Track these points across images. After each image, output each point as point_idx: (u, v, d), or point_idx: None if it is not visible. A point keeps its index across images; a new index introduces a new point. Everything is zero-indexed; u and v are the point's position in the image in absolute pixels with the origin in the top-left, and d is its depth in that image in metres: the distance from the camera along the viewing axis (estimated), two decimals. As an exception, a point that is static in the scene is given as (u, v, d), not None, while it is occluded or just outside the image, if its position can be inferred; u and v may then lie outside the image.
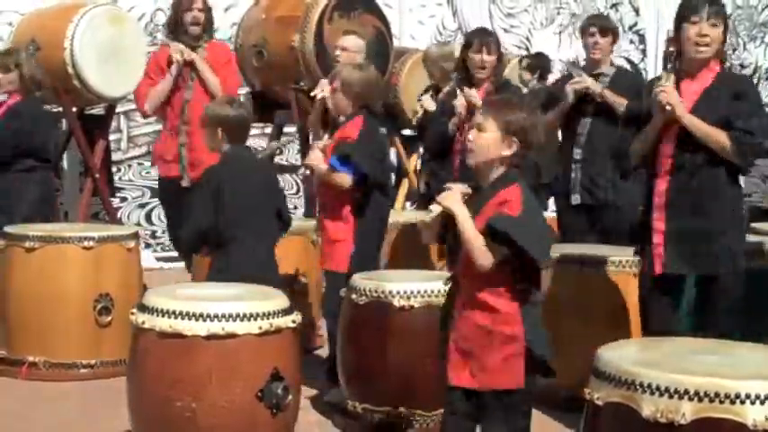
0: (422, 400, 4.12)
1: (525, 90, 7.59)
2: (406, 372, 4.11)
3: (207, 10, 6.41)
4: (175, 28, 6.34)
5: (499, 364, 3.04)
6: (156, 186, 7.14)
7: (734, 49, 11.69)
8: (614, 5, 11.25)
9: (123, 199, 8.55)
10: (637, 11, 11.38)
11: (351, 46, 5.92)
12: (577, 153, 5.41)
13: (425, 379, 4.10)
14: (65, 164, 8.13)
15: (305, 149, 6.40)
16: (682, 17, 3.82)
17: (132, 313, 3.52)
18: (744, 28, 11.86)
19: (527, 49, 10.54)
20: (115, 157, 8.44)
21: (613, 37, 5.64)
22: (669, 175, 3.85)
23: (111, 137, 8.09)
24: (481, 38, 5.30)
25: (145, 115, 6.05)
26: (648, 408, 2.39)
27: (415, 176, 8.30)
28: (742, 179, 4.14)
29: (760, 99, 4.08)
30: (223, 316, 3.37)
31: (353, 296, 4.22)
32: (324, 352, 5.51)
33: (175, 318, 3.39)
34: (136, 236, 5.33)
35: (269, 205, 4.33)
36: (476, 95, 5.20)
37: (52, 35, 6.85)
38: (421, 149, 8.43)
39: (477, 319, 3.08)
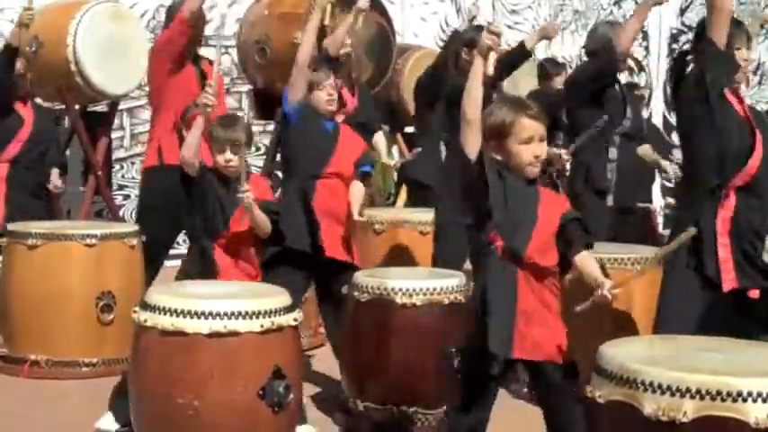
0: (423, 398, 4.12)
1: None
2: (408, 369, 4.11)
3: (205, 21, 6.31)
4: None
5: None
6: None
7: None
8: (617, 2, 11.24)
9: (126, 197, 8.56)
10: (640, 7, 11.36)
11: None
12: (613, 152, 5.40)
13: (427, 376, 4.11)
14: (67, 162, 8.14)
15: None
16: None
17: (134, 311, 3.52)
18: (747, 24, 11.84)
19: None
20: (118, 154, 8.45)
21: None
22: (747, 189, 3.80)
23: (114, 134, 8.09)
24: None
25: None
26: (650, 406, 2.39)
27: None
28: None
29: None
30: (225, 314, 3.37)
31: (355, 293, 4.22)
32: (325, 350, 5.51)
33: (177, 316, 3.39)
34: (138, 233, 5.32)
35: None
36: None
37: (54, 32, 6.85)
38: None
39: None
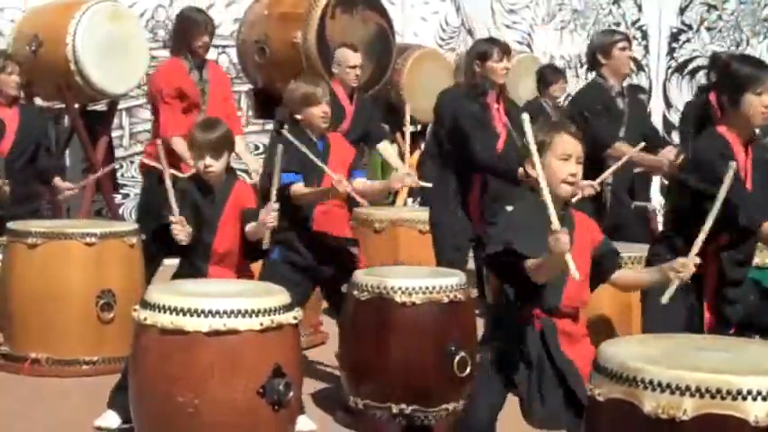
0: (423, 397, 4.13)
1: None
2: (408, 368, 4.11)
3: (213, 32, 6.26)
4: (182, 47, 6.09)
5: None
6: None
7: (737, 45, 11.69)
8: (616, 1, 11.24)
9: (125, 195, 8.56)
10: (639, 7, 11.37)
11: (360, 62, 6.04)
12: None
13: (427, 375, 4.11)
14: (67, 161, 8.15)
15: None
16: (744, 87, 3.72)
17: (134, 310, 3.53)
18: (747, 23, 11.85)
19: (528, 45, 10.53)
20: (117, 153, 8.45)
21: None
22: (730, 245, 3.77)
23: (114, 133, 8.10)
24: (500, 46, 5.27)
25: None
26: (650, 404, 2.38)
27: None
28: None
29: None
30: (225, 312, 3.37)
31: (355, 292, 4.22)
32: (325, 348, 5.52)
33: (177, 314, 3.38)
34: (138, 232, 5.32)
35: None
36: None
37: (54, 31, 6.87)
38: (422, 146, 8.45)
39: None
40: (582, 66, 5.60)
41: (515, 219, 3.21)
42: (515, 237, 3.06)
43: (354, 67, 6.14)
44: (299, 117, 4.46)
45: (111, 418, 4.14)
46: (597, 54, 5.38)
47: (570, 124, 3.29)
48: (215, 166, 4.01)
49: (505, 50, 5.26)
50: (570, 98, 5.91)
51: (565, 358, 3.16)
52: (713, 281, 3.74)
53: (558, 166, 3.17)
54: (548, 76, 7.78)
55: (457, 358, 4.07)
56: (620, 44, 5.39)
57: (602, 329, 4.13)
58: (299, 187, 4.39)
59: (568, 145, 3.18)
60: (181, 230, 3.90)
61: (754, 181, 3.76)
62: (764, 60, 3.98)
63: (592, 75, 5.76)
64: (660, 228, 6.69)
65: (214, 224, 4.03)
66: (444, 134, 5.32)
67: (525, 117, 2.98)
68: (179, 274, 4.08)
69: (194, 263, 4.05)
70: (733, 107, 3.73)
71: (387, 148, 6.66)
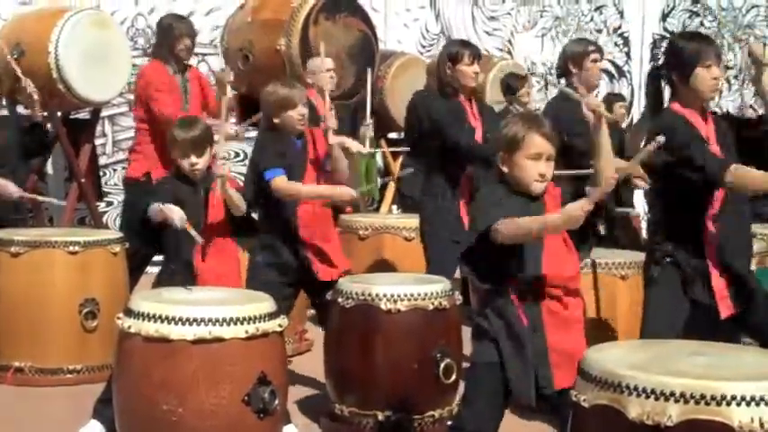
0: (409, 404, 4.13)
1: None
2: (393, 375, 4.11)
3: (195, 36, 6.39)
4: (164, 52, 6.21)
5: None
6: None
7: (718, 52, 11.72)
8: (598, 8, 11.27)
9: (109, 203, 8.53)
10: (621, 13, 11.41)
11: (331, 65, 6.03)
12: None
13: (412, 382, 4.11)
14: (50, 169, 8.12)
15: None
16: (692, 62, 3.78)
17: (118, 318, 3.52)
18: (728, 30, 11.90)
19: (509, 52, 10.55)
20: (100, 161, 8.43)
21: None
22: (721, 214, 3.79)
23: (96, 141, 8.08)
24: (471, 50, 5.27)
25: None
26: (635, 410, 2.39)
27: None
28: None
29: None
30: (210, 320, 3.37)
31: (340, 299, 4.22)
32: (310, 356, 5.51)
33: (162, 322, 3.38)
34: (121, 240, 5.31)
35: None
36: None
37: (36, 39, 6.84)
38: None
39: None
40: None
41: (491, 196, 3.24)
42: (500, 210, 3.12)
43: (329, 69, 6.10)
44: (276, 121, 4.44)
45: (95, 428, 4.12)
46: (569, 63, 5.38)
47: (543, 123, 3.29)
48: (200, 163, 4.06)
49: (476, 54, 5.25)
50: (546, 111, 5.87)
51: (542, 343, 3.14)
52: (714, 257, 3.75)
53: (529, 165, 3.19)
54: (512, 83, 7.78)
55: (442, 365, 4.08)
56: (593, 56, 5.39)
57: (587, 333, 4.13)
58: (281, 179, 4.34)
59: (538, 145, 3.20)
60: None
61: (719, 146, 3.80)
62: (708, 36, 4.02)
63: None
64: (643, 233, 6.73)
65: (200, 216, 4.05)
66: (426, 132, 5.30)
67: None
68: (165, 271, 4.12)
69: (182, 256, 4.05)
70: (684, 84, 3.79)
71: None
